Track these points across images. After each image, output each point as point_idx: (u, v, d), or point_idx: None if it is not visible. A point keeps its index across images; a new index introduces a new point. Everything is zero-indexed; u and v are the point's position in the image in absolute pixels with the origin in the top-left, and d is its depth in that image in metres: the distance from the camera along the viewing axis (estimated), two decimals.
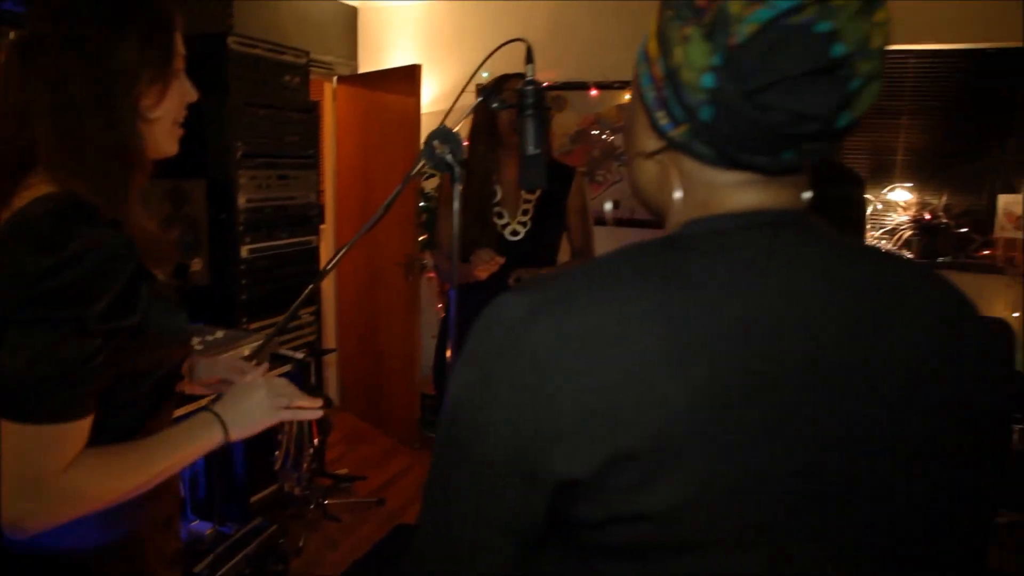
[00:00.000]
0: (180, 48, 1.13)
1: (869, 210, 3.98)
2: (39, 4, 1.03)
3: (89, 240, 0.93)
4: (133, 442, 1.05)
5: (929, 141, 3.89)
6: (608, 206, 4.36)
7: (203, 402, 1.47)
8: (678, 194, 0.66)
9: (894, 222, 3.94)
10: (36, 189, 1.00)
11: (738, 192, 0.64)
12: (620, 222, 4.29)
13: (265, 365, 1.30)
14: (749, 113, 0.56)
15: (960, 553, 0.64)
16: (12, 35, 2.48)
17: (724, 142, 0.60)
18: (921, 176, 3.91)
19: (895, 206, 3.95)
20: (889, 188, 3.94)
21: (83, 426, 0.96)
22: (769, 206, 0.63)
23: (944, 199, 3.84)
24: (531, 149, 1.41)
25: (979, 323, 0.66)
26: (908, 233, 3.90)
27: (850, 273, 0.62)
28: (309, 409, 1.26)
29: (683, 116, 0.61)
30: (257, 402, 1.20)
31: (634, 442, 0.55)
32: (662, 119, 0.63)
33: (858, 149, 4.02)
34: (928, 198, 3.89)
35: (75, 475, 0.95)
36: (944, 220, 3.82)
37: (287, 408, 1.23)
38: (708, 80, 0.57)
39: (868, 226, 3.98)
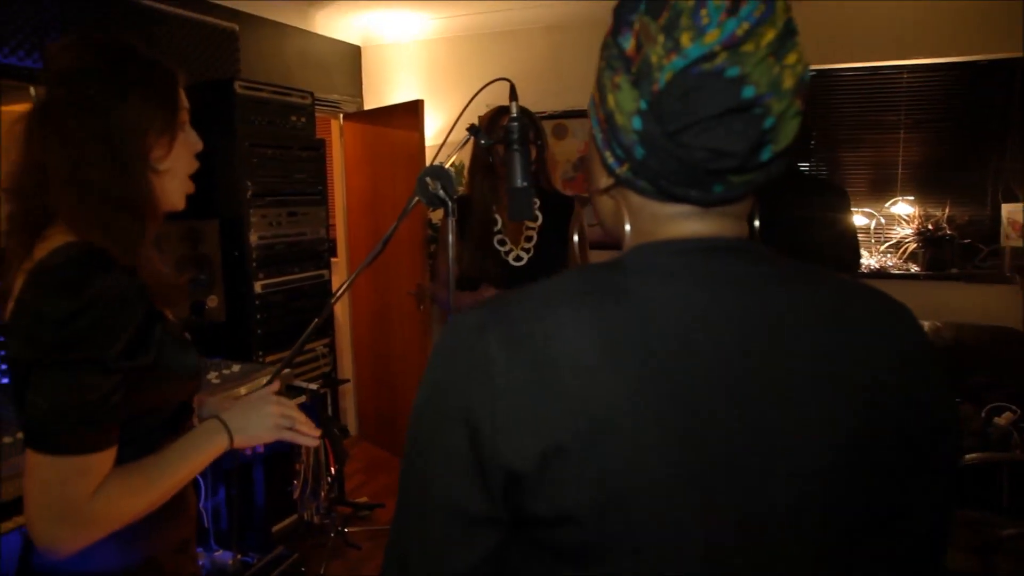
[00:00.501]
0: (184, 102, 1.21)
1: (872, 224, 4.01)
2: (52, 68, 1.12)
3: (104, 286, 1.01)
4: (148, 458, 1.12)
5: (928, 153, 3.93)
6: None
7: None
8: (627, 226, 0.73)
9: (898, 235, 3.97)
10: (54, 240, 1.08)
11: (678, 222, 0.69)
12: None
13: (276, 384, 1.36)
14: (673, 151, 0.62)
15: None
16: (32, 90, 2.61)
17: (658, 178, 0.66)
18: (922, 188, 3.95)
19: (898, 219, 3.98)
20: (891, 202, 3.98)
21: (108, 456, 1.04)
22: (707, 234, 0.69)
23: (947, 210, 3.86)
24: (518, 182, 1.47)
25: (918, 339, 0.69)
26: (913, 246, 3.92)
27: (787, 293, 0.67)
28: (307, 436, 1.32)
29: (623, 155, 0.67)
30: (265, 415, 1.26)
31: (565, 437, 0.60)
32: (609, 158, 0.70)
33: (858, 164, 4.08)
34: (931, 210, 3.91)
35: (101, 499, 1.02)
36: (948, 231, 3.84)
37: (289, 429, 1.29)
38: (636, 123, 0.63)
39: (872, 240, 4.01)
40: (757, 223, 0.72)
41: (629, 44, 0.64)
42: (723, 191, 0.66)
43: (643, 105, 0.62)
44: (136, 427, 1.11)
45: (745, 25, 0.58)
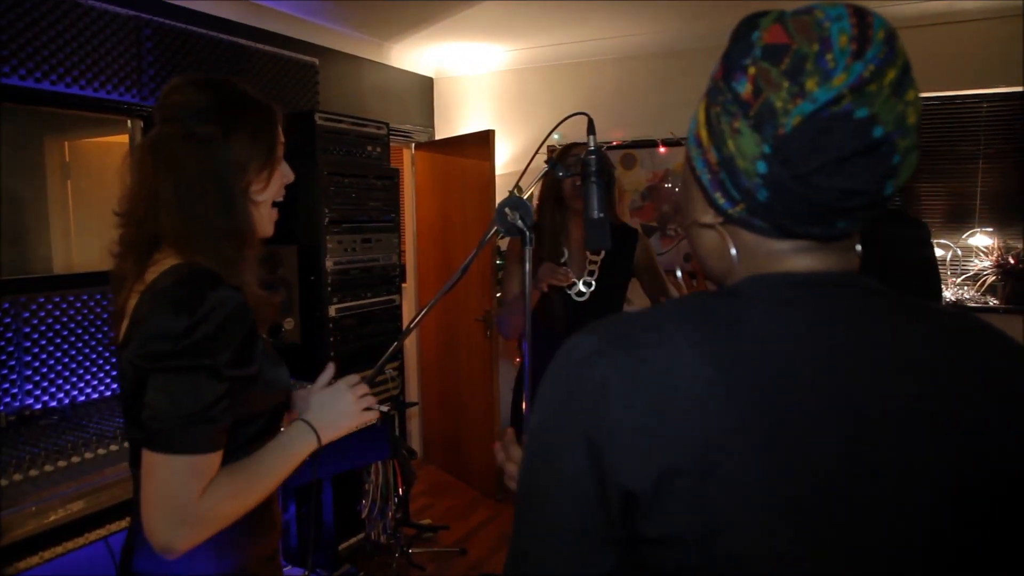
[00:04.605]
0: (281, 137, 1.29)
1: (948, 256, 3.92)
2: (165, 107, 1.21)
3: (215, 302, 1.09)
4: (243, 462, 1.18)
5: (1009, 184, 3.82)
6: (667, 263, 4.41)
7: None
8: (734, 251, 0.73)
9: (976, 267, 3.87)
10: (164, 263, 1.17)
11: (794, 257, 0.70)
12: (693, 274, 4.34)
13: (331, 366, 1.43)
14: (802, 193, 0.63)
15: None
16: (129, 122, 2.77)
17: (780, 218, 0.67)
18: (1002, 220, 3.83)
19: (976, 251, 3.87)
20: (968, 233, 3.88)
21: (216, 459, 1.11)
22: (824, 269, 0.70)
23: None
24: (595, 213, 1.50)
25: None
26: (992, 278, 3.81)
27: (897, 328, 0.67)
28: (380, 407, 1.41)
29: (740, 197, 0.68)
30: (345, 407, 1.34)
31: (679, 461, 0.61)
32: (720, 199, 0.70)
33: (935, 195, 3.98)
34: (1011, 242, 3.80)
35: (208, 500, 1.09)
36: None
37: (367, 408, 1.38)
38: (761, 167, 0.64)
39: (948, 272, 3.91)
40: (859, 247, 0.73)
41: (744, 88, 0.64)
42: (846, 226, 0.67)
43: (767, 149, 0.63)
44: (233, 436, 1.18)
45: (871, 67, 0.60)
